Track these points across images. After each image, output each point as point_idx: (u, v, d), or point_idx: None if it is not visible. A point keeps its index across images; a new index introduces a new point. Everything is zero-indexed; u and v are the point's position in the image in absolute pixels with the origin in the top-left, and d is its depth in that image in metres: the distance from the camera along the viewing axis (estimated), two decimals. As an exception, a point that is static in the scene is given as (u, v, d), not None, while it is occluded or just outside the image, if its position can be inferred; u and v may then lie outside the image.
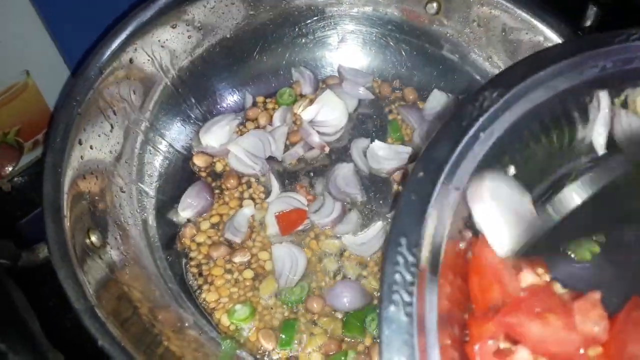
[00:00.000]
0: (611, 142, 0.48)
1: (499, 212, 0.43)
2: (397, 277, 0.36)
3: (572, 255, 0.47)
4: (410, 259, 0.36)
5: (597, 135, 0.48)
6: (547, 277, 0.42)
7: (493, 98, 0.41)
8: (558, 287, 0.42)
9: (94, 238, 0.63)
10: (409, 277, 0.36)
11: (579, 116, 0.47)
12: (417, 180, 0.39)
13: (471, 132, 0.41)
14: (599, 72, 0.44)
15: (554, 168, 0.49)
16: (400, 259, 0.36)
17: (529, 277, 0.41)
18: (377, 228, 0.73)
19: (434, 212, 0.38)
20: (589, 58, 0.44)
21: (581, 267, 0.47)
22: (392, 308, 0.35)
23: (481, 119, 0.41)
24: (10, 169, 0.83)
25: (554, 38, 0.69)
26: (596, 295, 0.40)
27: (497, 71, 0.78)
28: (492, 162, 0.42)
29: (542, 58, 0.44)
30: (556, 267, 0.44)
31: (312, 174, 0.79)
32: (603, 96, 0.47)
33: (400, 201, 0.38)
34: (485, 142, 0.41)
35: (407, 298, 0.36)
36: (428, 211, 0.38)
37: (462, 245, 0.41)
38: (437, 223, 0.38)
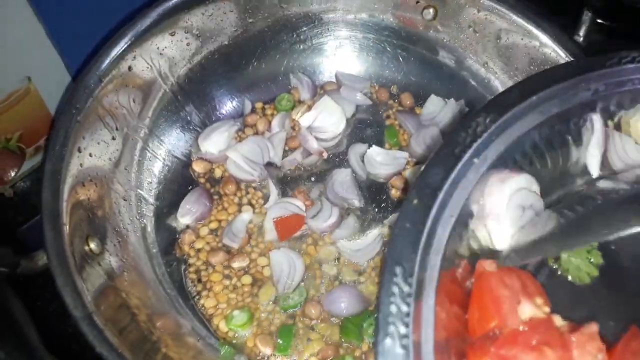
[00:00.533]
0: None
1: (504, 203, 0.43)
2: (393, 308, 0.35)
3: (570, 279, 0.46)
4: (406, 289, 0.36)
5: (591, 158, 0.49)
6: (546, 309, 0.42)
7: (486, 124, 0.41)
8: (558, 319, 0.41)
9: (93, 245, 0.64)
10: (404, 308, 0.35)
11: (573, 139, 0.47)
12: (411, 208, 0.38)
13: (465, 158, 0.40)
14: (592, 95, 0.44)
15: (548, 191, 0.48)
16: (396, 289, 0.36)
17: (528, 309, 0.41)
18: (373, 235, 0.73)
19: (429, 240, 0.38)
20: (582, 81, 0.44)
21: (580, 292, 0.46)
22: (388, 341, 0.35)
23: (474, 145, 0.41)
24: (12, 174, 0.84)
25: (550, 43, 0.69)
26: (593, 328, 0.40)
27: (493, 77, 0.78)
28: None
29: (534, 82, 0.44)
30: (555, 292, 0.44)
31: (310, 179, 0.79)
32: (596, 119, 0.47)
33: (395, 229, 0.38)
34: (479, 168, 0.41)
35: (403, 330, 0.35)
36: (423, 239, 0.37)
37: (458, 272, 0.41)
38: (432, 251, 0.37)
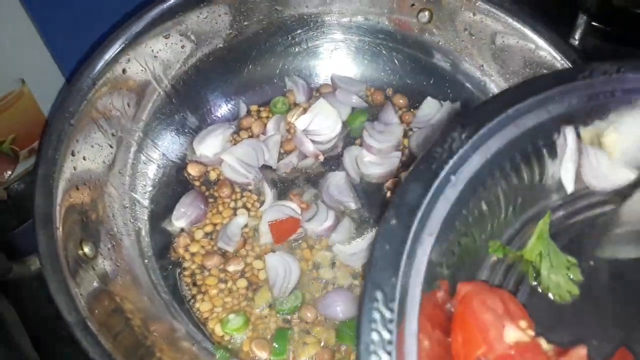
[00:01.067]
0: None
1: None
2: (374, 336, 0.34)
3: (551, 297, 0.46)
4: (388, 314, 0.34)
5: (565, 172, 0.48)
6: (531, 332, 0.40)
7: (462, 139, 0.40)
8: (543, 343, 0.40)
9: (86, 249, 0.63)
10: (387, 335, 0.34)
11: (548, 153, 0.46)
12: (389, 228, 0.37)
13: (441, 175, 0.39)
14: (566, 108, 0.44)
15: (526, 207, 0.48)
16: (377, 316, 0.34)
17: (512, 334, 0.39)
18: (369, 239, 0.73)
19: (409, 262, 0.36)
20: (555, 94, 0.43)
21: (562, 312, 0.45)
22: None
23: (451, 162, 0.40)
24: (6, 177, 0.83)
25: (545, 47, 0.69)
26: (582, 352, 0.39)
27: (488, 79, 0.78)
28: (464, 204, 0.41)
29: (508, 96, 0.43)
30: (537, 312, 0.43)
31: (306, 182, 0.79)
32: (569, 132, 0.46)
33: (374, 251, 0.36)
34: (457, 185, 0.40)
35: (385, 359, 0.34)
36: (403, 261, 0.36)
37: (439, 295, 0.40)
38: (413, 274, 0.36)
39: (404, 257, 0.36)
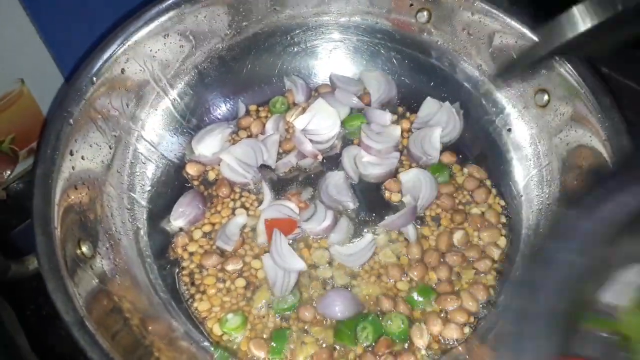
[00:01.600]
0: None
1: None
2: None
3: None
4: None
5: None
6: None
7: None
8: None
9: (84, 248, 0.63)
10: None
11: None
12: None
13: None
14: None
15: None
16: None
17: None
18: (366, 241, 0.73)
19: None
20: None
21: None
22: None
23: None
24: (5, 177, 0.84)
25: (544, 47, 0.69)
26: None
27: (486, 79, 0.79)
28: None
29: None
30: None
31: (304, 182, 0.79)
32: None
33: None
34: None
35: None
36: None
37: None
38: None
39: None
